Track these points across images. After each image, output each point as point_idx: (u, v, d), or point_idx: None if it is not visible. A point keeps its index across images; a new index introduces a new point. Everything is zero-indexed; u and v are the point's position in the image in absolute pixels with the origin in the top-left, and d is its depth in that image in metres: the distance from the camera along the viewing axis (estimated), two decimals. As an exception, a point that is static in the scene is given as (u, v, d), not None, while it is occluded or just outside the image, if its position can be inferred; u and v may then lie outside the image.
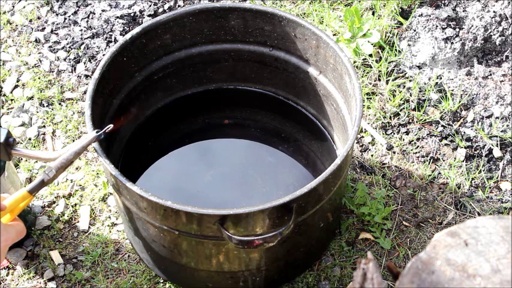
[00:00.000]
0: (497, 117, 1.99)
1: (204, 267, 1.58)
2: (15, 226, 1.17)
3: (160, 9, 2.28)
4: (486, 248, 1.05)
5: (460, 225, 1.10)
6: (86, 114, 1.46)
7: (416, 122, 2.01)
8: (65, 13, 2.30)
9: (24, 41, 2.25)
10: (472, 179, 1.91)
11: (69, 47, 2.21)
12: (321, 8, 2.27)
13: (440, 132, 1.99)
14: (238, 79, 1.88)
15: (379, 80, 2.09)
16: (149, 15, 2.27)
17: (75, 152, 1.30)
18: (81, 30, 2.25)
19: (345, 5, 2.29)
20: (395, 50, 2.15)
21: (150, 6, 2.29)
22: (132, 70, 1.70)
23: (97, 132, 1.38)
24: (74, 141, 1.99)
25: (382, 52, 2.14)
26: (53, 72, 2.17)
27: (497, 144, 1.95)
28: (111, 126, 1.39)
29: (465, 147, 1.95)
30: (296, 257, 1.65)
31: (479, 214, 1.85)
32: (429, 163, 1.94)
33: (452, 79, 2.08)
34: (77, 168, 1.95)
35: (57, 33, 2.26)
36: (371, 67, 2.11)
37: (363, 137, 2.00)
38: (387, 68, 2.11)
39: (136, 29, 1.63)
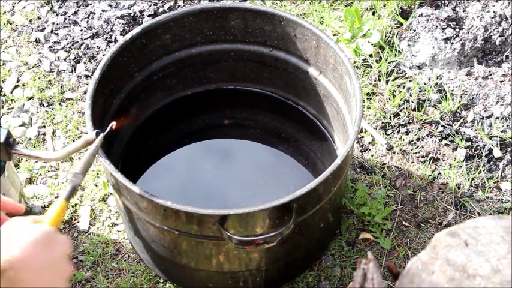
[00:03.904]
0: (497, 118, 1.99)
1: (204, 268, 1.58)
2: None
3: (161, 9, 2.28)
4: (486, 248, 1.05)
5: (460, 225, 1.10)
6: (86, 114, 1.46)
7: (417, 122, 2.01)
8: (65, 13, 2.30)
9: (24, 41, 2.25)
10: (472, 179, 1.91)
11: (69, 47, 2.21)
12: (321, 8, 2.27)
13: (440, 133, 1.99)
14: (238, 79, 1.88)
15: (379, 80, 2.09)
16: (149, 16, 2.27)
17: (91, 153, 1.30)
18: (81, 30, 2.25)
19: (345, 5, 2.29)
20: (396, 50, 2.15)
21: (150, 6, 2.29)
22: (132, 70, 1.70)
23: (98, 132, 1.37)
24: (74, 141, 1.99)
25: (382, 52, 2.14)
26: (53, 72, 2.17)
27: (497, 144, 1.95)
28: (114, 123, 1.38)
29: (465, 148, 1.95)
30: (296, 257, 1.65)
31: (479, 214, 1.85)
32: (429, 163, 1.94)
33: (452, 79, 2.08)
34: (77, 168, 1.95)
35: (57, 33, 2.26)
36: (371, 67, 2.12)
37: (363, 137, 2.00)
38: (387, 68, 2.11)
39: (137, 29, 1.63)
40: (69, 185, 1.22)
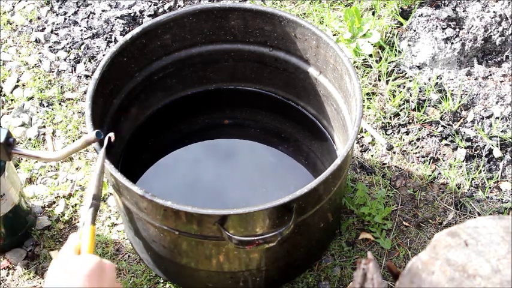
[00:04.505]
0: (497, 118, 1.99)
1: (204, 268, 1.58)
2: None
3: (161, 10, 2.28)
4: (486, 248, 1.05)
5: (460, 225, 1.10)
6: (86, 114, 1.46)
7: (417, 122, 2.01)
8: (65, 13, 2.30)
9: (24, 41, 2.25)
10: (472, 179, 1.91)
11: (69, 47, 2.21)
12: (321, 8, 2.27)
13: (440, 133, 1.99)
14: (238, 79, 1.88)
15: (379, 80, 2.09)
16: (149, 16, 2.27)
17: (100, 172, 1.31)
18: (81, 30, 2.25)
19: (345, 5, 2.29)
20: (396, 50, 2.15)
21: (150, 6, 2.29)
22: (132, 70, 1.70)
23: (98, 133, 1.37)
24: (74, 141, 1.99)
25: (382, 52, 2.14)
26: (53, 72, 2.17)
27: (497, 144, 1.95)
28: (112, 135, 1.37)
29: (465, 148, 1.95)
30: (296, 257, 1.65)
31: (479, 214, 1.85)
32: (429, 163, 1.94)
33: (452, 79, 2.08)
34: (77, 169, 1.95)
35: (57, 34, 2.26)
36: (371, 67, 2.12)
37: (363, 137, 2.00)
38: (387, 68, 2.11)
39: (137, 29, 1.63)
40: (91, 209, 1.24)
